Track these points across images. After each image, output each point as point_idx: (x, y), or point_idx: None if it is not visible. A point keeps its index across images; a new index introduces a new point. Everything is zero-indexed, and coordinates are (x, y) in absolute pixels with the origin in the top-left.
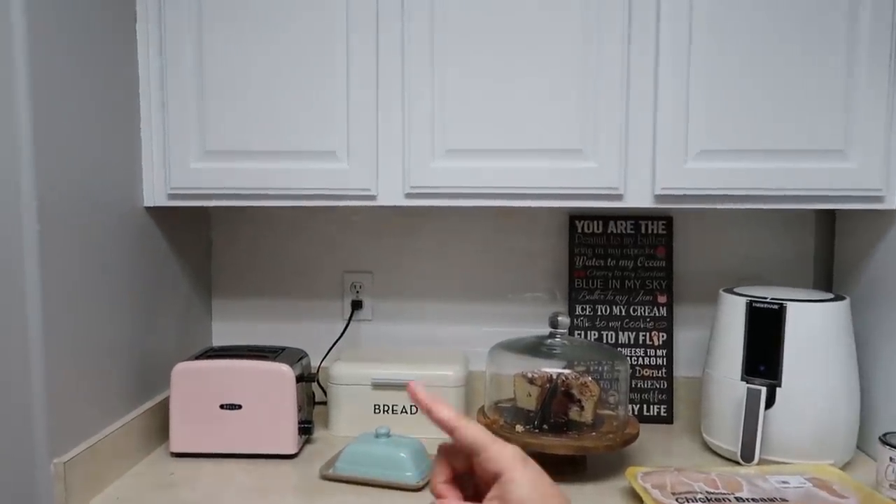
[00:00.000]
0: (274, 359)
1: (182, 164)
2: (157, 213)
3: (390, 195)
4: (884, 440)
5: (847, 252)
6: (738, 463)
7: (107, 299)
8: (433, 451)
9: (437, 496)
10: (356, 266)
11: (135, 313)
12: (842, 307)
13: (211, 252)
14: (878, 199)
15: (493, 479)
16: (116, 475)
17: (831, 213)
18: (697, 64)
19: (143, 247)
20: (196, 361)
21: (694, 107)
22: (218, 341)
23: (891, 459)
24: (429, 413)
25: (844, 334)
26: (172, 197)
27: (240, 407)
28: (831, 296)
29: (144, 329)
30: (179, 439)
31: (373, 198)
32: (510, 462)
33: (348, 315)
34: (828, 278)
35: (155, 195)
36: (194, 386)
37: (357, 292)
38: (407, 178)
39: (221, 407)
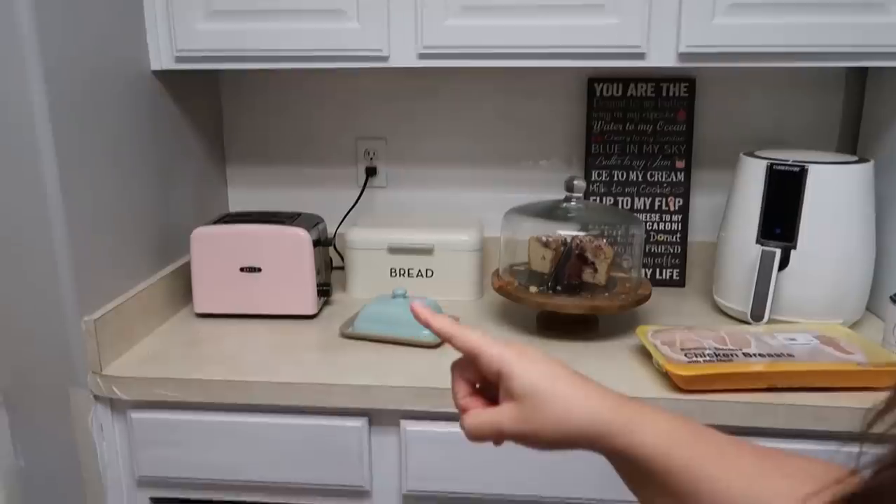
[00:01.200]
0: (291, 223)
1: (187, 25)
2: (165, 77)
3: (403, 56)
4: (894, 299)
5: (876, 114)
6: (748, 323)
7: (122, 164)
8: (451, 312)
9: (461, 410)
10: (369, 132)
11: (151, 178)
12: (865, 170)
13: (222, 119)
14: None
15: (498, 379)
16: (145, 333)
17: (863, 73)
18: None
19: (154, 113)
20: (214, 226)
21: None
22: (234, 208)
23: None
24: (428, 326)
25: (865, 197)
26: (179, 60)
27: (259, 270)
28: (855, 158)
29: (162, 194)
30: (203, 300)
31: (384, 59)
32: (506, 359)
33: (363, 181)
34: (853, 142)
35: (161, 58)
36: (214, 250)
37: (371, 158)
38: (420, 37)
39: (241, 270)
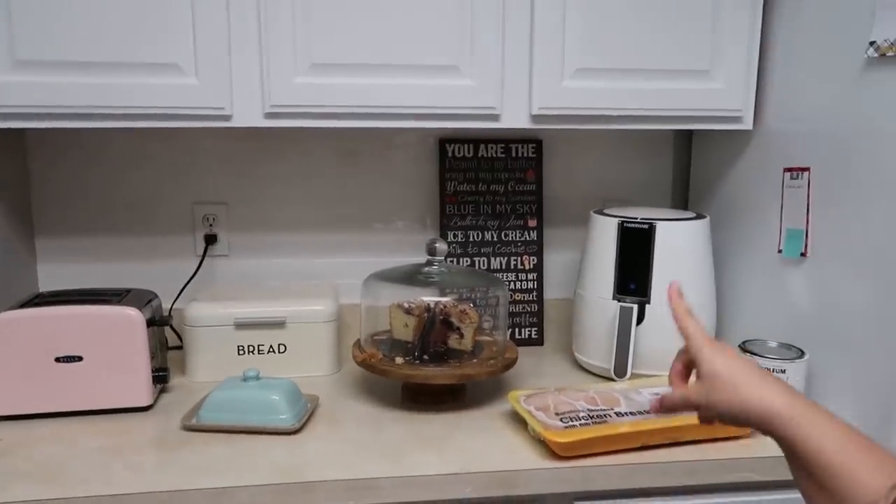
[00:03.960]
0: (118, 302)
1: None
2: None
3: (247, 115)
4: (743, 348)
5: (703, 172)
6: (611, 379)
7: None
8: (306, 390)
9: (669, 383)
10: (207, 196)
11: None
12: (703, 224)
13: (30, 184)
14: (738, 119)
15: (695, 362)
16: None
17: (688, 134)
18: None
19: None
20: (21, 310)
21: (570, 25)
22: (46, 286)
23: None
24: (677, 316)
25: (705, 250)
26: None
27: (80, 359)
28: (693, 214)
29: None
30: (7, 400)
31: (227, 118)
32: (698, 345)
33: (201, 251)
34: (684, 198)
35: None
36: (21, 338)
37: (210, 225)
38: (266, 95)
39: (57, 360)
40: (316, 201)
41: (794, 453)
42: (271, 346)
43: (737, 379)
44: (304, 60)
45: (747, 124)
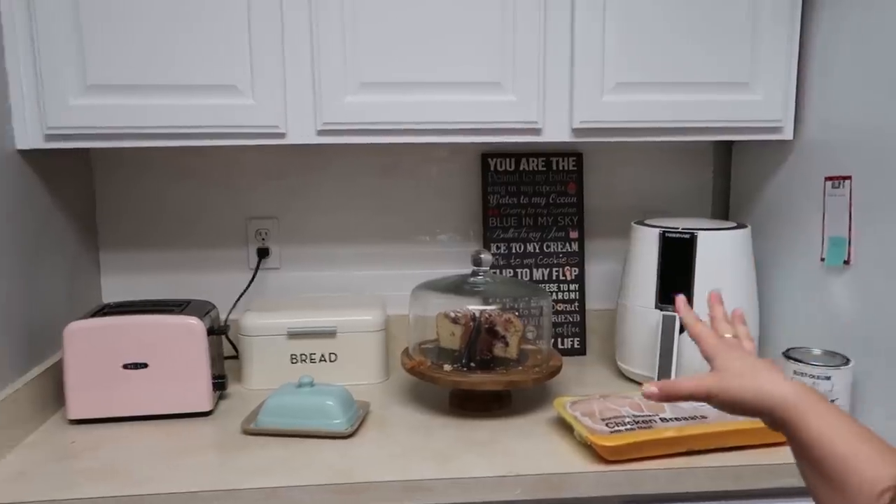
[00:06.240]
0: (180, 312)
1: (59, 100)
2: (33, 157)
3: (301, 133)
4: (787, 355)
5: (744, 183)
6: None
7: None
8: (357, 397)
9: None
10: (260, 211)
11: (13, 268)
12: (745, 234)
13: (95, 201)
14: (778, 129)
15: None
16: (7, 449)
17: (728, 145)
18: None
19: (18, 195)
20: (92, 319)
21: (610, 40)
22: (109, 298)
23: (794, 372)
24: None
25: (747, 260)
26: (50, 138)
27: (146, 366)
28: (734, 224)
29: (26, 285)
30: (78, 404)
31: (282, 135)
32: (714, 344)
33: (254, 264)
34: (724, 208)
35: (29, 137)
36: (91, 346)
37: (262, 239)
38: (319, 113)
39: (124, 367)
40: (362, 215)
41: (801, 442)
42: (322, 355)
43: (752, 368)
44: (354, 80)
45: (787, 135)
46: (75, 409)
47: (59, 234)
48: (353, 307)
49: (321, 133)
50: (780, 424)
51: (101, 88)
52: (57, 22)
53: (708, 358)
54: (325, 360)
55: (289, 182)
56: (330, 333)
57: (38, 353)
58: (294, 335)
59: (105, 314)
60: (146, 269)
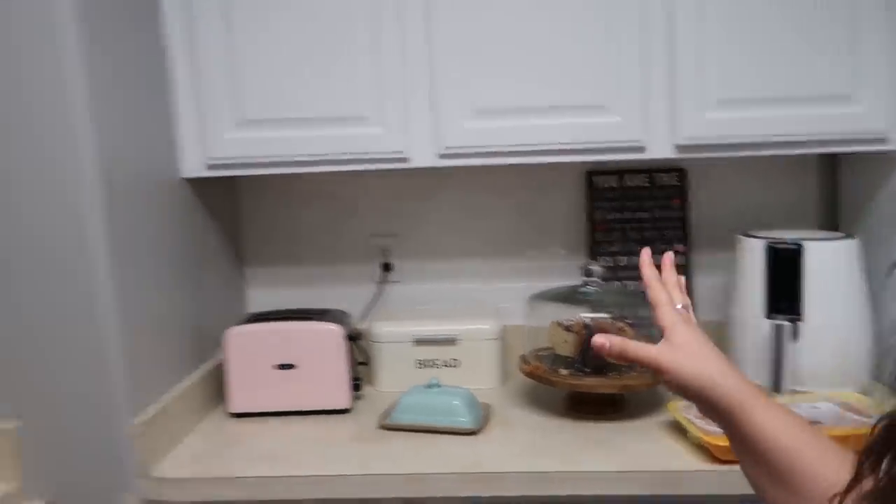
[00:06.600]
0: (321, 319)
1: (217, 134)
2: (195, 184)
3: (424, 157)
4: None
5: (851, 194)
6: None
7: (161, 266)
8: (480, 399)
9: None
10: (383, 229)
11: (183, 280)
12: (853, 245)
13: (241, 222)
14: (883, 140)
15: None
16: (184, 435)
17: (832, 156)
18: (712, 16)
19: (184, 217)
20: (248, 325)
21: (710, 59)
22: (253, 308)
23: None
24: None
25: (856, 270)
26: (210, 168)
27: (294, 366)
28: (842, 235)
29: (192, 295)
30: (238, 399)
31: (406, 160)
32: (671, 316)
33: (378, 278)
34: (831, 220)
35: (193, 167)
36: (249, 348)
37: (385, 255)
38: (440, 139)
39: (276, 367)
40: (476, 231)
41: (744, 435)
42: (445, 361)
43: (705, 351)
44: (469, 107)
45: (893, 145)
46: (236, 404)
47: (214, 251)
48: (472, 317)
49: (442, 157)
50: (720, 414)
51: (251, 123)
52: (215, 67)
53: (662, 327)
54: (447, 366)
55: (409, 202)
56: (452, 341)
57: (202, 355)
58: (420, 342)
59: (259, 320)
60: (285, 282)
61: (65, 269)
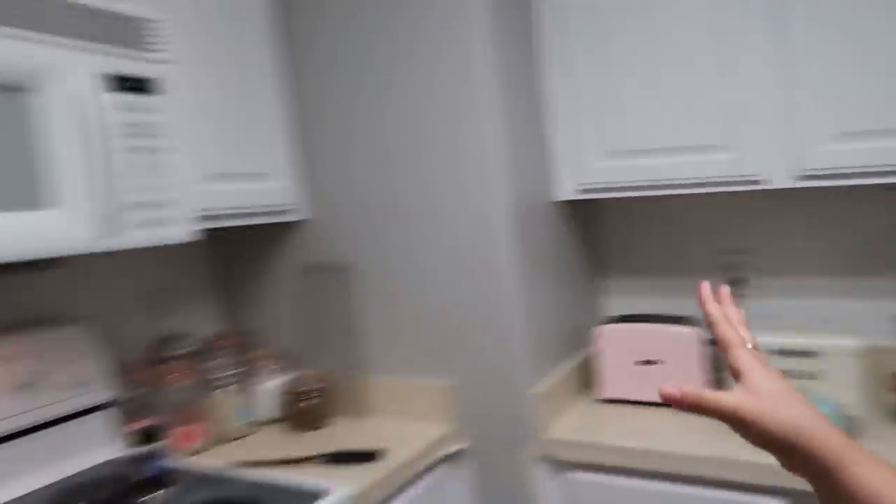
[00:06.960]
0: (678, 323)
1: (586, 163)
2: (564, 205)
3: (780, 179)
4: None
5: None
6: None
7: (546, 271)
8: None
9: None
10: (731, 245)
11: (559, 283)
12: None
13: (601, 236)
14: None
15: (736, 374)
16: (563, 409)
17: None
18: (823, 61)
19: (559, 234)
20: (617, 325)
21: (827, 96)
22: (610, 314)
23: None
24: (707, 308)
25: None
26: (581, 192)
27: (656, 363)
28: None
29: (566, 300)
30: (609, 387)
31: (759, 182)
32: (748, 359)
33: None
34: None
35: (567, 191)
36: (617, 344)
37: (735, 270)
38: (797, 162)
39: (637, 363)
40: (831, 250)
41: (849, 497)
42: (803, 372)
43: (787, 396)
44: (834, 128)
45: None
46: (607, 390)
47: (579, 261)
48: (831, 333)
49: (801, 178)
50: (814, 471)
51: (619, 153)
52: (584, 107)
53: (737, 372)
54: (806, 378)
55: (759, 220)
56: (811, 354)
57: (572, 349)
58: (784, 353)
59: (624, 321)
60: (639, 292)
61: (483, 274)
